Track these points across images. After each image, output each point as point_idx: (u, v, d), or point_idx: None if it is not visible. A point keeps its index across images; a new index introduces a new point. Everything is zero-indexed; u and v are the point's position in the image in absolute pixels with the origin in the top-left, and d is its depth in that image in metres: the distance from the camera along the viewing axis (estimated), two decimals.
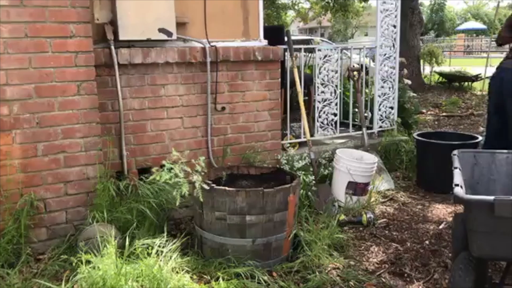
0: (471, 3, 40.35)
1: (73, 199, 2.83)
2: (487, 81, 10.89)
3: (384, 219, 3.47)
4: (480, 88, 10.64)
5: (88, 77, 2.80)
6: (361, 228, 3.30)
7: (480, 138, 4.16)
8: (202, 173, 2.70)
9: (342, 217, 3.32)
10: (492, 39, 17.08)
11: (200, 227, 2.75)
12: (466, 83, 11.51)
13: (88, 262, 2.22)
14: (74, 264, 2.24)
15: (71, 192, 2.82)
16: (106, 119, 3.04)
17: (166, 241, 2.49)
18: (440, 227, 3.34)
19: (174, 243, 2.50)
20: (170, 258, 2.39)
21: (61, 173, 2.78)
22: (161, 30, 3.12)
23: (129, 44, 3.09)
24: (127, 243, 2.35)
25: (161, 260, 2.33)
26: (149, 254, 2.33)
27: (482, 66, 11.70)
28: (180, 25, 3.26)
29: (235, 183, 2.99)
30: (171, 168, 2.74)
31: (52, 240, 2.78)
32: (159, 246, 2.41)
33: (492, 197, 1.85)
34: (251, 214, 2.59)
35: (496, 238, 1.91)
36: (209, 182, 2.67)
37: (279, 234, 2.69)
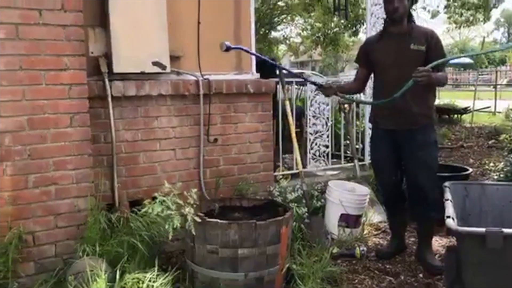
0: (458, 38, 41.36)
1: (63, 232, 2.78)
2: (476, 113, 10.93)
3: None
4: (470, 120, 10.81)
5: (81, 109, 2.81)
6: (354, 261, 3.26)
7: (470, 170, 4.18)
8: (194, 206, 2.68)
9: (335, 250, 3.29)
10: (479, 73, 17.43)
11: (192, 261, 2.71)
12: (455, 116, 11.68)
13: None
14: None
15: (61, 224, 2.78)
16: (98, 151, 3.04)
17: (157, 275, 2.44)
18: None
19: (165, 277, 2.46)
20: None
21: (52, 206, 2.74)
22: (155, 63, 3.16)
23: (123, 76, 3.12)
24: (117, 277, 2.30)
25: None
26: None
27: (470, 99, 11.89)
28: (174, 58, 3.32)
29: (227, 215, 2.96)
30: (163, 201, 2.72)
31: (40, 274, 2.70)
32: (149, 280, 2.37)
33: (483, 229, 1.85)
34: (243, 247, 2.56)
35: (488, 269, 1.91)
36: (201, 214, 2.65)
37: (272, 268, 2.66)
